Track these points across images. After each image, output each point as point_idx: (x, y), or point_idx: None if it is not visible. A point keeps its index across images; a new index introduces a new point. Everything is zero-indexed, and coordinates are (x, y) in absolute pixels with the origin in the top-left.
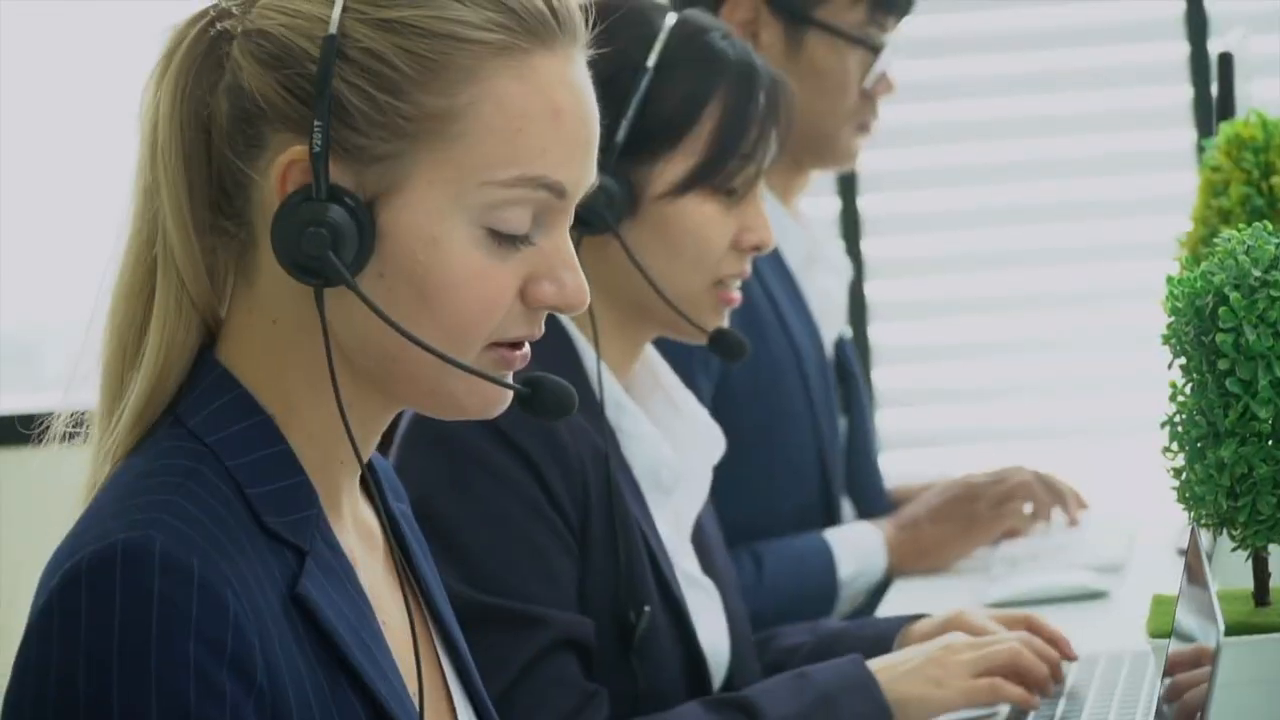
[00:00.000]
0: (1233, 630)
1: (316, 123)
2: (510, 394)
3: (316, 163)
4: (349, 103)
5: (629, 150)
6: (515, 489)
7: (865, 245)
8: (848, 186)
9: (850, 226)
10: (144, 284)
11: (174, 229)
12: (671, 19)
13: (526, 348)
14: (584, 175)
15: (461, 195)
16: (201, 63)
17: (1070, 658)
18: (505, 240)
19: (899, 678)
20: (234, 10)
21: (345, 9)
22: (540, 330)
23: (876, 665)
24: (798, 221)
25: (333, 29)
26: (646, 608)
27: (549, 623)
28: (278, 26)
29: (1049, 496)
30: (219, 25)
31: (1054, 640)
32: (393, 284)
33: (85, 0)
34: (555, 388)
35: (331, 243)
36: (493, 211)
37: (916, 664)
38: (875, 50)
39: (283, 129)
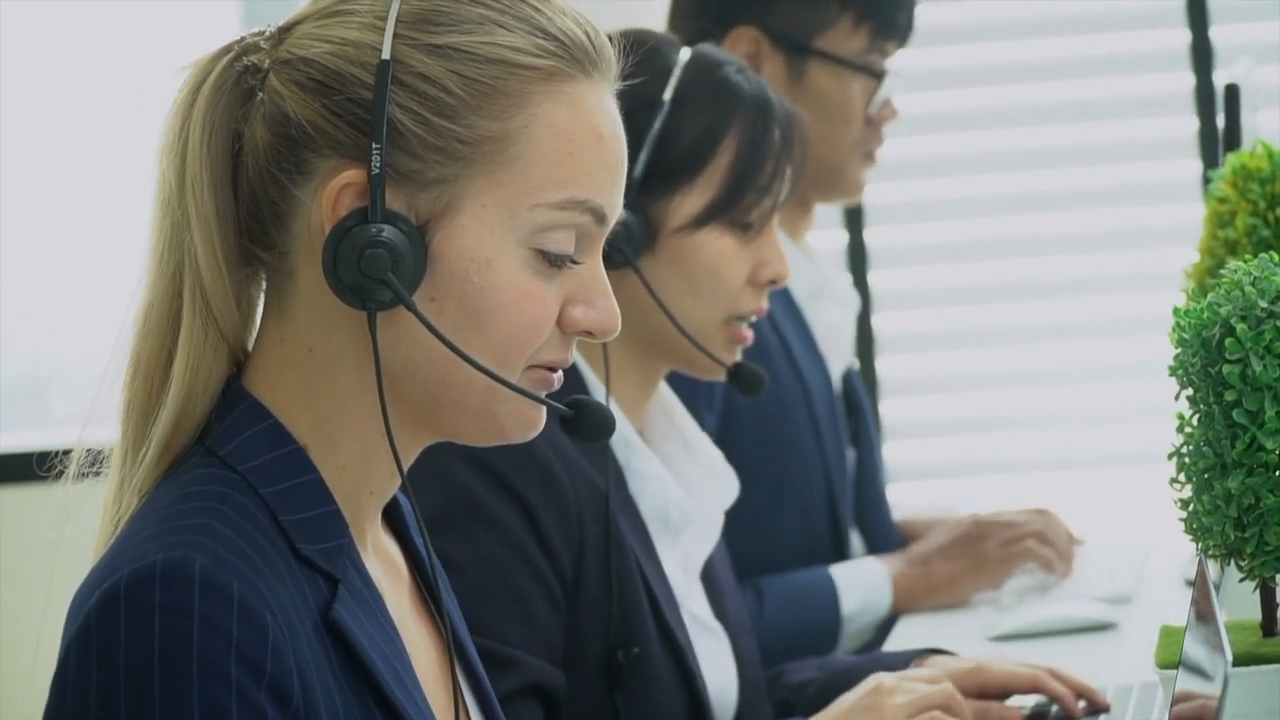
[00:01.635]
0: (1241, 661)
1: (375, 145)
2: (545, 417)
3: (373, 186)
4: (404, 127)
5: (646, 185)
6: (504, 533)
7: (872, 278)
8: (854, 219)
9: (857, 259)
10: (170, 316)
11: (205, 261)
12: (685, 54)
13: (560, 371)
14: (618, 202)
15: (513, 217)
16: (229, 95)
17: (1102, 706)
18: (551, 263)
19: None
20: (262, 44)
21: (396, 35)
22: (571, 357)
23: None
24: (806, 255)
25: (386, 54)
26: (635, 649)
27: (520, 666)
28: (324, 54)
29: (1063, 541)
30: (246, 59)
31: (1080, 691)
32: (444, 306)
33: (101, 38)
34: (598, 410)
35: (392, 264)
36: (542, 234)
37: (845, 712)
38: (878, 77)
39: (332, 155)
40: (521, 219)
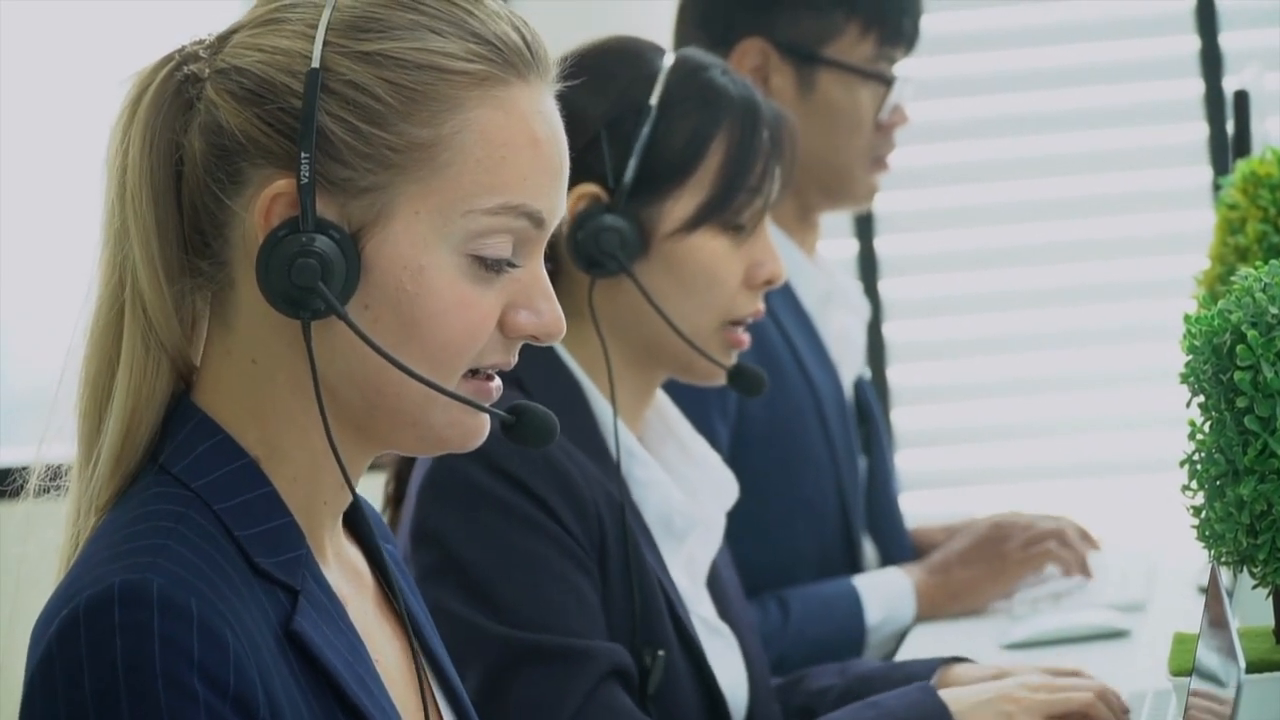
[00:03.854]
0: (1254, 668)
1: (303, 154)
2: (488, 426)
3: (303, 195)
4: (333, 135)
5: (637, 190)
6: (540, 530)
7: (883, 286)
8: (865, 227)
9: (868, 267)
10: (114, 329)
11: (143, 272)
12: (670, 58)
13: (498, 380)
14: (558, 206)
15: (446, 224)
16: (170, 106)
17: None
18: (488, 268)
19: (970, 708)
20: (201, 54)
21: (326, 43)
22: (514, 360)
23: (948, 695)
24: (815, 262)
25: (315, 63)
26: (661, 652)
27: (597, 654)
28: (256, 63)
29: (1081, 545)
30: (186, 69)
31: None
32: (378, 314)
33: (111, 47)
34: (539, 415)
35: (321, 273)
36: (476, 239)
37: (989, 697)
38: (887, 83)
39: (265, 164)
40: (454, 225)
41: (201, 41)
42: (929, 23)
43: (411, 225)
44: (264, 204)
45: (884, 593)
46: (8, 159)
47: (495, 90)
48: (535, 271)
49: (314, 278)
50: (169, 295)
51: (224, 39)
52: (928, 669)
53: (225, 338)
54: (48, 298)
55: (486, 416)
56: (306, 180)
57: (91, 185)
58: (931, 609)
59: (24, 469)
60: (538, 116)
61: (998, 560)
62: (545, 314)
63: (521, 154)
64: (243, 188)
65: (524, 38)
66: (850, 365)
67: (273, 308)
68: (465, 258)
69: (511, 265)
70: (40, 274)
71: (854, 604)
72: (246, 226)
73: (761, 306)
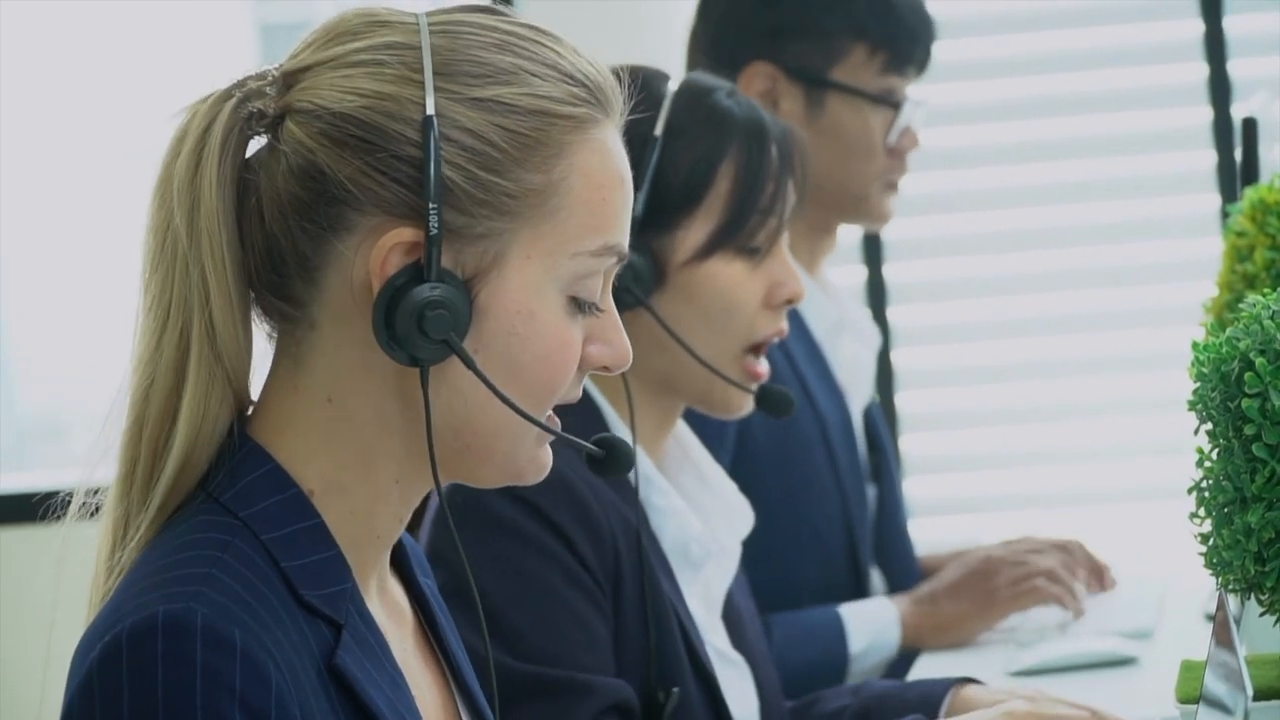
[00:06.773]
0: (1261, 695)
1: (431, 205)
2: (552, 456)
3: (430, 246)
4: (452, 183)
5: (648, 221)
6: (552, 559)
7: (891, 313)
8: (873, 254)
9: (876, 294)
10: (178, 369)
11: (219, 308)
12: (674, 84)
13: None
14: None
15: (555, 267)
16: (236, 143)
17: None
18: (582, 307)
19: None
20: (267, 90)
21: (435, 89)
22: (580, 393)
23: None
24: (824, 290)
25: (430, 110)
26: (675, 689)
27: (598, 690)
28: (359, 109)
29: (1069, 578)
30: (251, 105)
31: None
32: (486, 357)
33: (135, 69)
34: (624, 448)
35: (453, 324)
36: (579, 281)
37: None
38: (894, 106)
39: (377, 212)
40: (563, 268)
41: (264, 77)
42: (938, 49)
43: (523, 270)
44: (381, 253)
45: (869, 621)
46: (22, 188)
47: (591, 132)
48: (609, 305)
49: (447, 328)
50: (243, 335)
51: (292, 75)
52: (941, 688)
53: (295, 374)
54: (58, 326)
55: (549, 449)
56: (435, 231)
57: (101, 214)
58: (916, 640)
59: (42, 494)
60: (620, 155)
61: (984, 596)
62: (618, 345)
63: (616, 194)
64: (347, 234)
65: (601, 75)
66: (860, 393)
67: (387, 354)
68: (566, 298)
69: (597, 309)
70: (51, 301)
71: (838, 631)
72: (354, 272)
73: (784, 325)
